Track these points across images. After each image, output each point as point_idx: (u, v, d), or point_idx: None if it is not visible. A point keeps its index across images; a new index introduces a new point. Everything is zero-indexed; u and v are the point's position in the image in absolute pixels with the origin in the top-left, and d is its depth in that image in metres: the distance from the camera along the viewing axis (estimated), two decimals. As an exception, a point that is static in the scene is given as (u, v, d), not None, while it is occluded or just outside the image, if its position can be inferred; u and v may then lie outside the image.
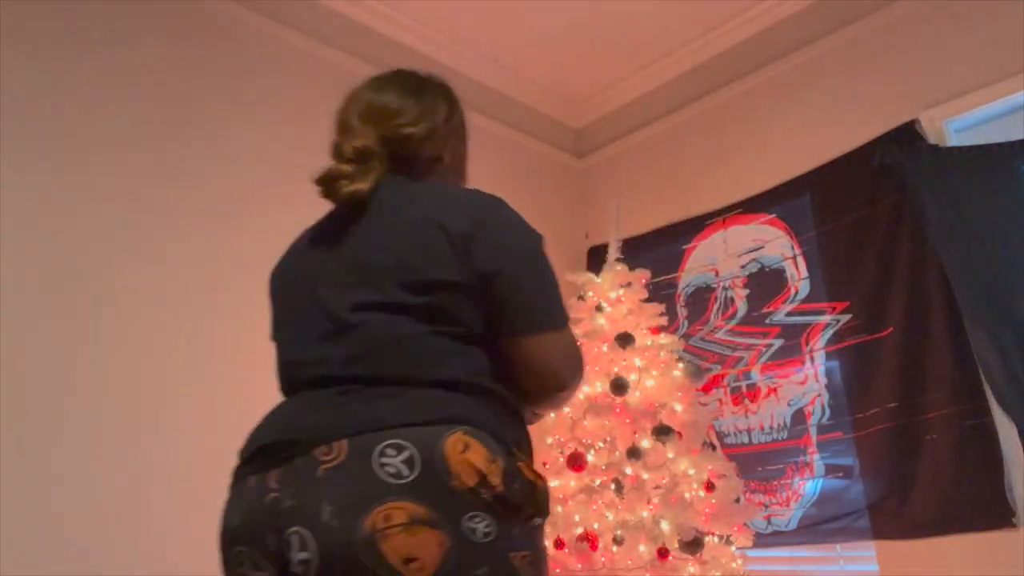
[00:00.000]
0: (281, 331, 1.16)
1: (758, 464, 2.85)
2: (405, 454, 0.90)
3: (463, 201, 1.10)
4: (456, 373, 1.01)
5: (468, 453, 0.92)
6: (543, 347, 1.08)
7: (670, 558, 2.06)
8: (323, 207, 1.18)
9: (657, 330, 2.56)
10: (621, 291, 2.62)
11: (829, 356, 2.76)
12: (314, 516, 0.89)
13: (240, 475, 1.01)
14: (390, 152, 1.16)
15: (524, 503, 0.96)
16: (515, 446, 1.02)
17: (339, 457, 0.91)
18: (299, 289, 1.13)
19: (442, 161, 1.24)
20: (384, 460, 0.90)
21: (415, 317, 1.02)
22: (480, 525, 0.90)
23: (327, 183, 1.11)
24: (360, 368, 1.00)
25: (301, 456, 0.93)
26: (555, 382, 1.10)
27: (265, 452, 0.98)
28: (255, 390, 1.31)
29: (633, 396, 2.35)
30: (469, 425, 0.95)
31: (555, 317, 1.10)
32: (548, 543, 2.22)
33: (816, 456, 2.72)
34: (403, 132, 1.18)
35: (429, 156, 1.21)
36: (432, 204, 1.09)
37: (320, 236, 1.17)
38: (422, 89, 1.25)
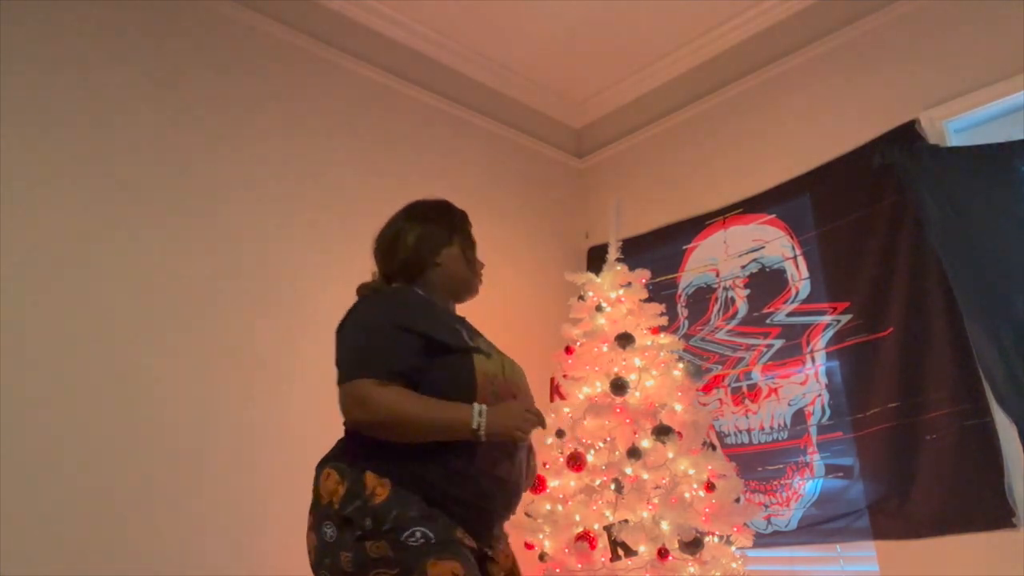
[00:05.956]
0: None
1: (758, 464, 2.85)
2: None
3: None
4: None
5: (328, 481, 1.38)
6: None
7: (670, 558, 2.06)
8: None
9: (657, 330, 2.57)
10: (621, 291, 2.63)
11: (830, 356, 2.76)
12: None
13: None
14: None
15: (355, 519, 1.32)
16: (373, 469, 1.36)
17: None
18: None
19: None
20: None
21: None
22: (328, 531, 1.35)
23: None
24: None
25: None
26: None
27: None
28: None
29: (633, 396, 2.36)
30: (333, 461, 1.42)
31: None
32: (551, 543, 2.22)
33: (816, 456, 2.72)
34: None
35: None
36: None
37: None
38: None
